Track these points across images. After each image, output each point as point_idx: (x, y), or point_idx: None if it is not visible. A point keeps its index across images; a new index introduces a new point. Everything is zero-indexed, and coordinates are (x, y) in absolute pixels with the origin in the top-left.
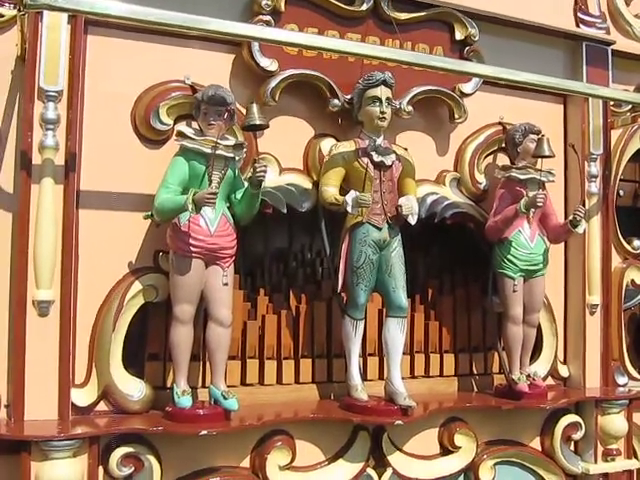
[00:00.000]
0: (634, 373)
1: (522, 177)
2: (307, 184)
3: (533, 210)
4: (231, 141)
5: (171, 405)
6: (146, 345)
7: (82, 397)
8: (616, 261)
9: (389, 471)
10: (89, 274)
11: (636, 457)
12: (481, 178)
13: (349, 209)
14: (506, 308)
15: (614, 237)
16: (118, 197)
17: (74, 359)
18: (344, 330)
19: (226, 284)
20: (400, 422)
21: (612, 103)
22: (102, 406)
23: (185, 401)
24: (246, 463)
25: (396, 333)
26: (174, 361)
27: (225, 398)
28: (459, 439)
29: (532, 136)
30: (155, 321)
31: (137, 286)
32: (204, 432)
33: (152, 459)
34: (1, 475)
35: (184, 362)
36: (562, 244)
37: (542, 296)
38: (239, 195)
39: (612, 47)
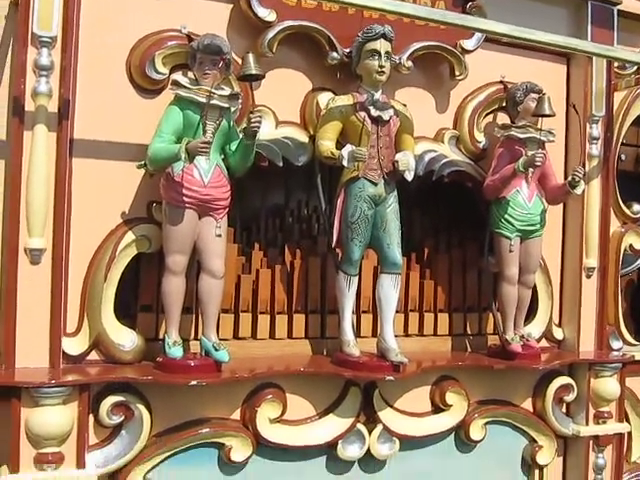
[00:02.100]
0: (629, 338)
1: (522, 136)
2: (304, 138)
3: (532, 170)
4: (226, 91)
5: (162, 356)
6: (139, 296)
7: (73, 346)
8: (615, 225)
9: (379, 427)
10: (82, 223)
11: (627, 420)
12: (480, 137)
13: (345, 163)
14: (502, 268)
15: (614, 201)
16: (113, 147)
17: (66, 308)
18: (338, 285)
19: (219, 235)
20: (391, 378)
21: (616, 65)
22: (94, 355)
23: (176, 351)
24: (237, 415)
25: (390, 290)
26: (166, 312)
27: (216, 350)
28: (451, 397)
29: (533, 95)
30: (148, 272)
31: (130, 236)
32: (194, 382)
33: (142, 408)
34: None
35: (176, 313)
36: (561, 206)
37: (538, 257)
38: (234, 146)
39: (618, 7)
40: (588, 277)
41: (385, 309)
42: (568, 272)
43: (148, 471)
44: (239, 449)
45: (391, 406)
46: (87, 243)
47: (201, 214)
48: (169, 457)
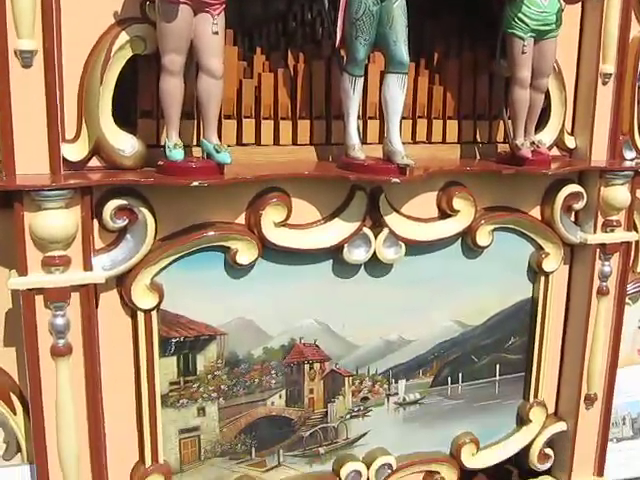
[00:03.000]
0: None
1: None
2: None
3: None
4: None
5: (163, 159)
6: (138, 102)
7: (73, 152)
8: (635, 30)
9: (385, 231)
10: (73, 24)
11: (636, 231)
12: None
13: None
14: (514, 71)
15: (636, 2)
16: None
17: (62, 113)
18: (342, 87)
19: (216, 33)
20: (397, 180)
21: None
22: (95, 162)
23: (177, 154)
24: (241, 219)
25: (396, 90)
26: (165, 114)
27: (217, 151)
28: (458, 203)
29: None
30: (146, 76)
31: (124, 37)
32: (196, 183)
33: (146, 212)
34: None
35: (175, 115)
36: (578, 6)
37: (552, 60)
38: None
39: None
40: (604, 84)
41: (391, 110)
42: (583, 78)
43: (156, 274)
44: (245, 252)
45: (397, 211)
46: (80, 45)
47: (196, 10)
48: (176, 260)
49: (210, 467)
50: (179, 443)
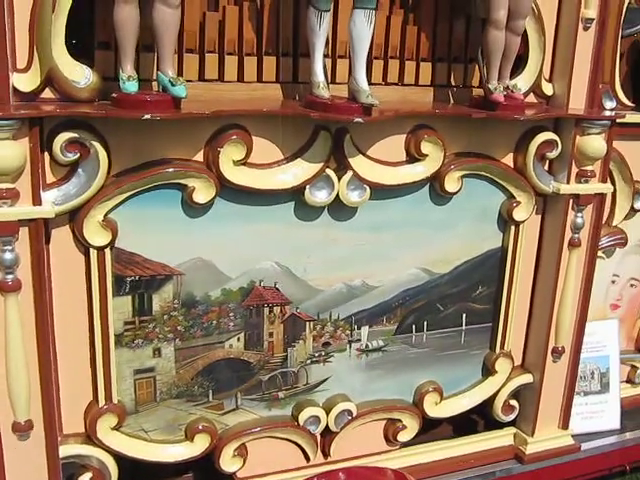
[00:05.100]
0: (624, 99)
1: None
2: None
3: None
4: None
5: (117, 92)
6: (95, 33)
7: (24, 82)
8: None
9: (349, 174)
10: None
11: (612, 182)
12: None
13: None
14: (489, 11)
15: None
16: None
17: (13, 41)
18: (308, 23)
19: None
20: (360, 120)
21: None
22: (48, 94)
23: (130, 86)
24: (200, 157)
25: (362, 26)
26: (119, 44)
27: (173, 85)
28: (426, 147)
29: None
30: (103, 5)
31: None
32: (147, 116)
33: (98, 146)
34: None
35: (129, 46)
36: None
37: (530, 1)
38: None
39: None
40: (585, 29)
41: (357, 48)
42: (563, 22)
43: (109, 211)
44: (202, 191)
45: (363, 153)
46: None
47: None
48: (131, 197)
49: (166, 409)
50: (134, 384)
